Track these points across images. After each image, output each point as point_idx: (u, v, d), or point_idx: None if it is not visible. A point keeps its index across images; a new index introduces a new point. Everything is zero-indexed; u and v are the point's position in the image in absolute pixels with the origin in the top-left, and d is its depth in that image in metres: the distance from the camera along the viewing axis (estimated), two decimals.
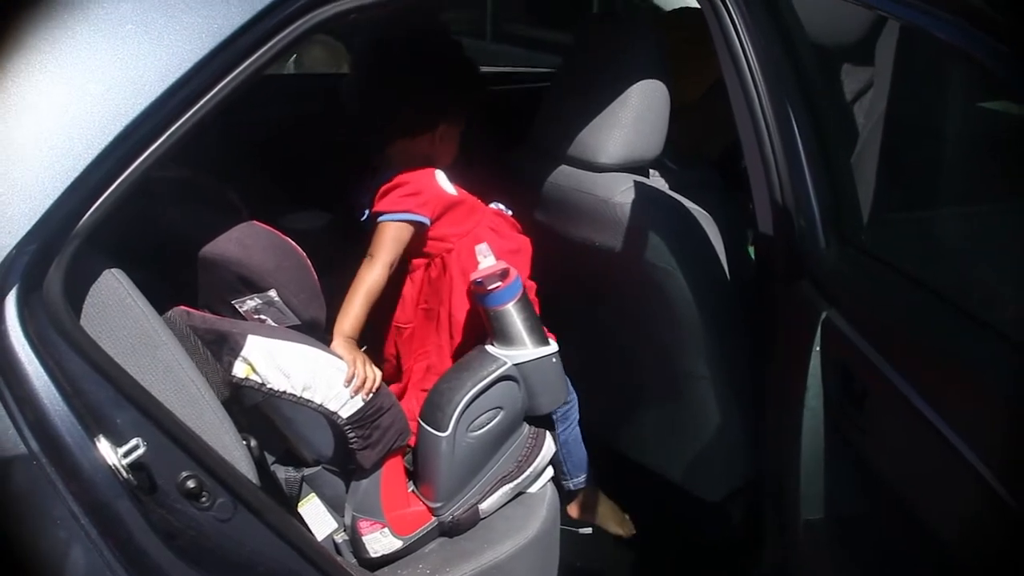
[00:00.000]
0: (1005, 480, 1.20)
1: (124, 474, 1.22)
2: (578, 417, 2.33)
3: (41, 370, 1.19)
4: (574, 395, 2.30)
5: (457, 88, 2.05)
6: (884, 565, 1.54)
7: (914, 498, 1.43)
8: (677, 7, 2.89)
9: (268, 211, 1.73)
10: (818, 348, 1.60)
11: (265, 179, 2.42)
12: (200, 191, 1.78)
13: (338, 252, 2.42)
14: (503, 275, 1.83)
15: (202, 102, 1.31)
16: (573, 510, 2.45)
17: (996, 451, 1.24)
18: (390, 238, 1.95)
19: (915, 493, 1.42)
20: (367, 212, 2.04)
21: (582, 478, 2.39)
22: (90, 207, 1.24)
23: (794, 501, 1.67)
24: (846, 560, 1.59)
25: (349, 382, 1.69)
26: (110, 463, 1.21)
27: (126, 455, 1.22)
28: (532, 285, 2.09)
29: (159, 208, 1.67)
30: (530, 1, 5.75)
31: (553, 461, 2.13)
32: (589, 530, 2.55)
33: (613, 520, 2.52)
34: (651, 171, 2.25)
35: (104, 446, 1.21)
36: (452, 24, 5.30)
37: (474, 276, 1.85)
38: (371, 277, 1.92)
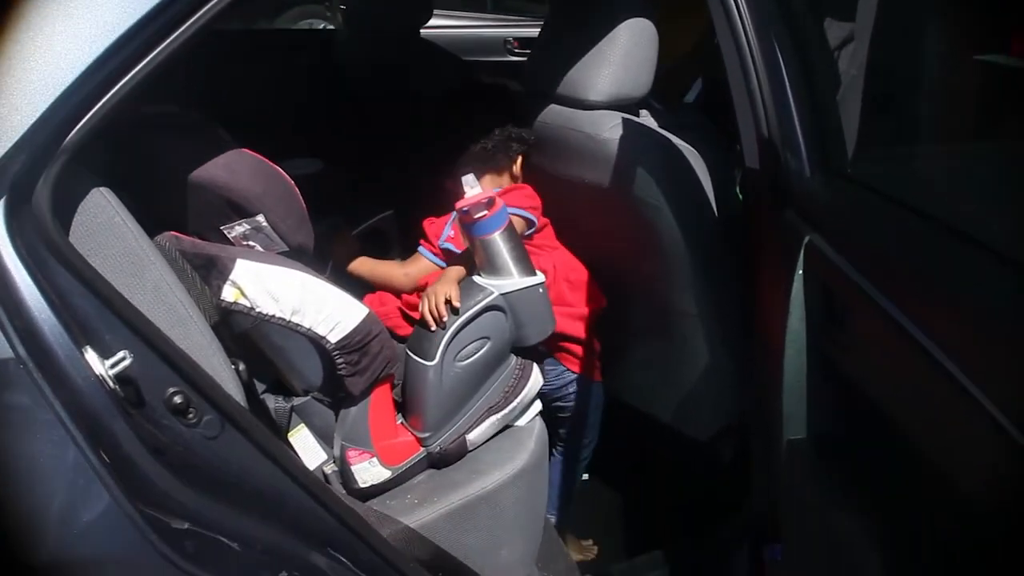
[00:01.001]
0: (988, 390, 1.21)
1: (111, 384, 1.23)
2: (586, 463, 2.41)
3: (29, 281, 1.20)
4: (595, 437, 2.37)
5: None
6: (866, 481, 1.55)
7: (896, 413, 1.44)
8: None
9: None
10: (801, 271, 1.61)
11: (259, 128, 2.44)
12: (190, 125, 1.79)
13: (331, 195, 2.45)
14: (489, 204, 1.84)
15: (189, 22, 1.32)
16: None
17: (978, 362, 1.25)
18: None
19: (897, 407, 1.44)
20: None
21: (552, 518, 2.44)
22: (76, 124, 1.25)
23: (777, 422, 1.69)
24: (829, 478, 1.61)
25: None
26: (97, 373, 1.22)
27: (113, 366, 1.23)
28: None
29: (150, 137, 1.68)
30: None
31: None
32: (585, 476, 2.57)
33: (574, 548, 2.55)
34: (641, 112, 2.26)
35: (92, 356, 1.22)
36: None
37: (460, 205, 1.86)
38: None
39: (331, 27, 6.02)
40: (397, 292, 2.25)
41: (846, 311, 1.52)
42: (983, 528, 1.26)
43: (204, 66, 2.31)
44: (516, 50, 4.53)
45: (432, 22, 3.33)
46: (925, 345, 1.29)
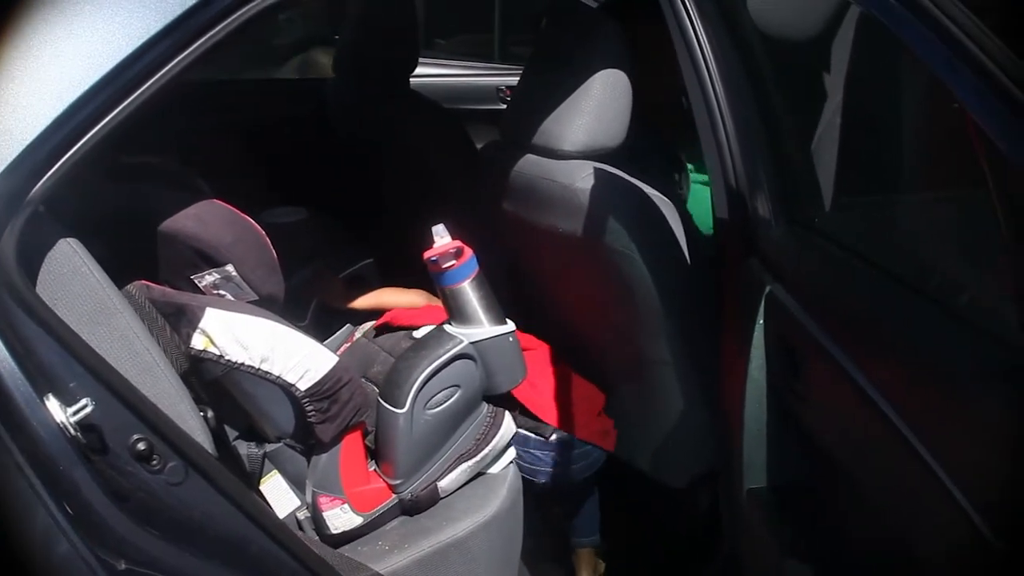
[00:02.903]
0: (936, 450, 1.23)
1: (72, 431, 1.25)
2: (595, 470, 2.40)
3: None
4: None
5: None
6: (823, 530, 1.56)
7: (850, 465, 1.45)
8: None
9: (248, 207, 1.77)
10: (761, 321, 1.63)
11: (246, 177, 2.48)
12: (166, 175, 1.82)
13: (315, 245, 2.49)
14: (458, 254, 1.87)
15: (156, 77, 1.35)
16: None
17: (928, 421, 1.27)
18: None
19: (851, 460, 1.45)
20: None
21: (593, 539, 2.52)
22: (44, 174, 1.28)
23: (738, 472, 1.70)
24: (787, 527, 1.62)
25: None
26: (58, 421, 1.24)
27: (75, 414, 1.25)
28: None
29: (123, 186, 1.71)
30: (534, 26, 6.05)
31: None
32: None
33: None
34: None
35: (53, 404, 1.24)
36: (463, 46, 5.47)
37: (428, 255, 1.88)
38: None
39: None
40: None
41: (803, 362, 1.53)
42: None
43: (187, 116, 2.35)
44: (507, 98, 4.57)
45: (427, 71, 3.37)
46: (875, 399, 1.30)
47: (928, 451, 1.23)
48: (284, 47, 6.80)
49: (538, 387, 2.19)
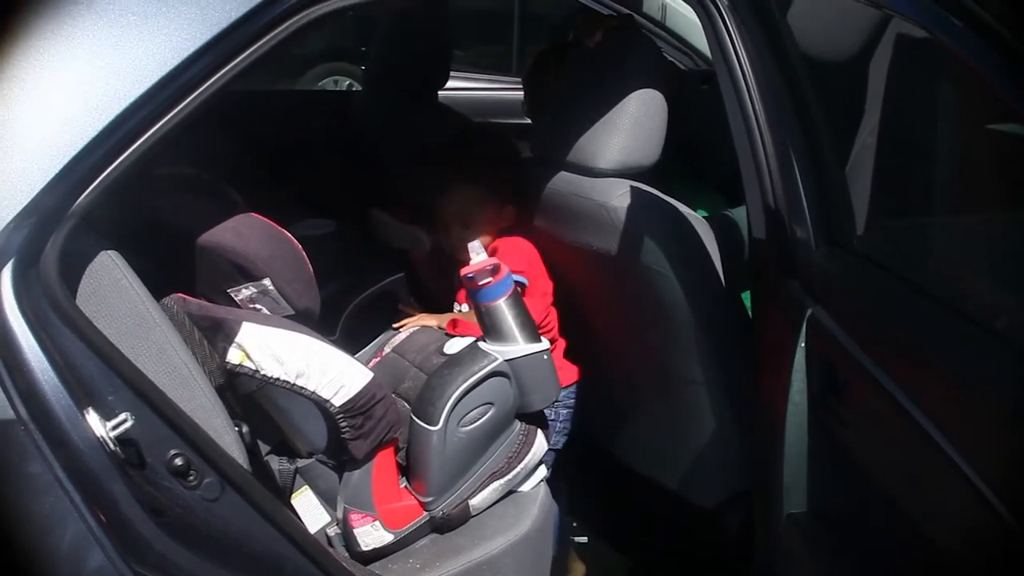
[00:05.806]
0: (983, 473, 1.21)
1: (111, 446, 1.24)
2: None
3: (34, 342, 1.22)
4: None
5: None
6: (866, 556, 1.54)
7: (895, 489, 1.44)
8: None
9: (278, 219, 1.76)
10: (803, 344, 1.62)
11: (276, 189, 2.48)
12: (202, 186, 1.81)
13: (343, 257, 2.48)
14: (494, 271, 1.86)
15: (198, 91, 1.35)
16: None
17: (975, 444, 1.25)
18: None
19: (896, 484, 1.43)
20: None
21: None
22: (86, 188, 1.27)
23: (778, 494, 1.68)
24: (828, 552, 1.60)
25: None
26: (98, 435, 1.24)
27: (114, 428, 1.25)
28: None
29: (160, 199, 1.71)
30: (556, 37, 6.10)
31: None
32: (584, 539, 2.57)
33: None
34: None
35: (93, 418, 1.24)
36: (481, 58, 5.47)
37: (465, 271, 1.87)
38: None
39: (356, 86, 6.10)
40: None
41: (845, 385, 1.52)
42: None
43: (219, 127, 2.35)
44: None
45: (453, 84, 3.37)
46: (920, 421, 1.29)
47: (976, 474, 1.21)
48: (304, 58, 6.86)
49: None
